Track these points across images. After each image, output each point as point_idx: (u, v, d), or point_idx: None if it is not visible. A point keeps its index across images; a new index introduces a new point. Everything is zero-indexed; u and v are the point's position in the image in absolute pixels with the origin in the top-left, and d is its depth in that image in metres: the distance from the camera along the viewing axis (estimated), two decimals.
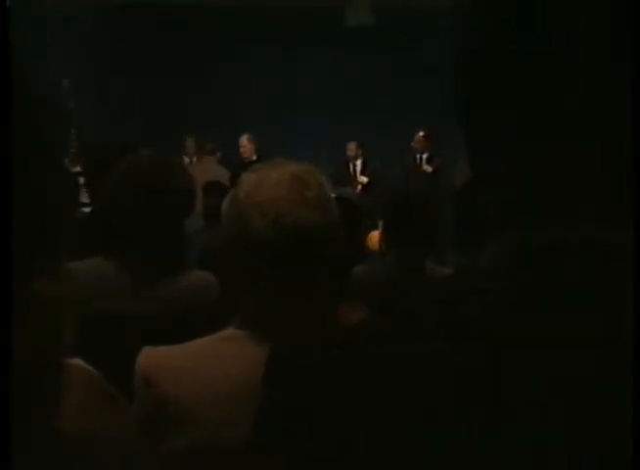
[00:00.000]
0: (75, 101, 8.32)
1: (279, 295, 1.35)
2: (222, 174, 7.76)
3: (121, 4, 10.12)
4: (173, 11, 10.28)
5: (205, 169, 8.15)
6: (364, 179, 9.17)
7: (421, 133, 9.03)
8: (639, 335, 0.49)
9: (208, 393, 1.31)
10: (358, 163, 9.35)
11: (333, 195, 1.41)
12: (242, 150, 8.80)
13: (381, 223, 3.09)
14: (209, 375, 1.33)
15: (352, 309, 1.90)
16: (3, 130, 0.45)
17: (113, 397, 1.51)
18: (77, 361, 1.49)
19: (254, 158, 8.35)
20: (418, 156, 9.10)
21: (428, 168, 8.94)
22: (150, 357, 1.39)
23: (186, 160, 8.91)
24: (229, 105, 10.30)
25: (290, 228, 1.30)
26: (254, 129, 8.92)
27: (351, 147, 9.33)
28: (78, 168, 6.40)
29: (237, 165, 7.47)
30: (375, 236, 3.72)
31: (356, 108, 10.20)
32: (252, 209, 1.32)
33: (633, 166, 0.53)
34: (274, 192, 1.32)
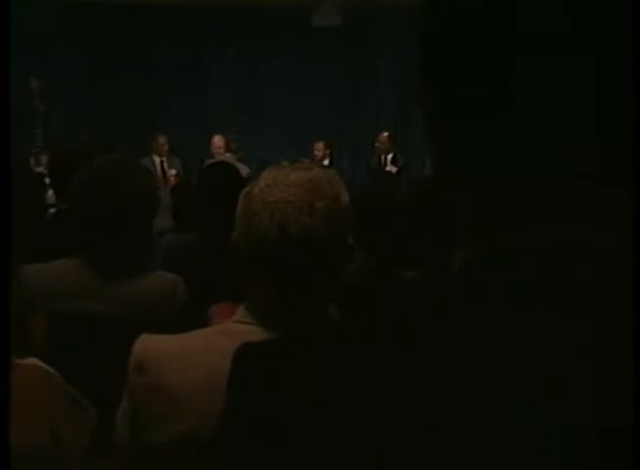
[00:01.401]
0: (43, 100, 8.23)
1: (276, 295, 1.36)
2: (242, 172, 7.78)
3: (95, 2, 10.04)
4: (147, 10, 10.21)
5: None
6: None
7: (385, 134, 9.03)
8: (639, 336, 0.49)
9: (199, 384, 1.31)
10: (325, 163, 9.34)
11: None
12: (215, 150, 8.75)
13: None
14: (201, 367, 1.32)
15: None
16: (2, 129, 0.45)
17: (74, 399, 1.49)
18: (35, 361, 1.47)
19: (223, 156, 8.33)
20: (383, 156, 9.11)
21: (392, 169, 8.93)
22: (145, 344, 1.38)
23: (156, 159, 8.81)
24: (198, 105, 10.26)
25: (293, 235, 1.31)
26: (225, 129, 8.89)
27: (319, 147, 9.30)
28: (42, 169, 6.34)
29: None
30: None
31: (324, 108, 10.21)
32: (262, 207, 1.33)
33: (633, 167, 0.52)
34: (285, 195, 1.32)
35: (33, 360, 1.48)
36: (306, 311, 1.36)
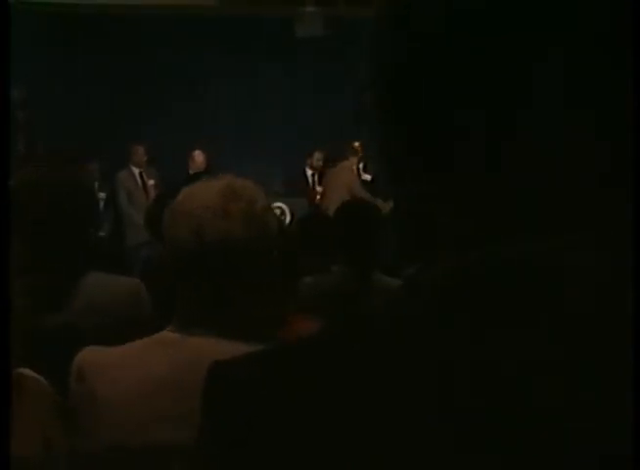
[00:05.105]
0: (25, 110, 8.19)
1: (201, 301, 1.38)
2: (352, 181, 7.98)
3: (76, 13, 10.04)
4: (128, 21, 10.21)
5: (337, 176, 8.33)
6: (319, 189, 9.25)
7: (356, 143, 9.05)
8: (638, 340, 0.48)
9: (133, 393, 1.34)
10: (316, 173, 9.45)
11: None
12: (194, 164, 8.72)
13: None
14: (135, 376, 1.36)
15: (305, 320, 1.91)
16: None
17: (62, 405, 1.49)
18: (27, 372, 1.47)
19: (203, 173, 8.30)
20: (354, 166, 9.14)
21: (366, 177, 8.95)
22: (87, 354, 1.42)
23: (135, 170, 8.72)
24: (179, 115, 10.24)
25: (210, 239, 1.33)
26: (207, 141, 8.88)
27: (317, 157, 9.40)
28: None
29: None
30: None
31: (305, 118, 10.23)
32: (180, 217, 1.37)
33: (633, 167, 0.51)
34: (200, 202, 1.36)
35: (25, 370, 1.48)
36: (233, 315, 1.38)
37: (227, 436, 0.54)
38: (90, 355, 1.41)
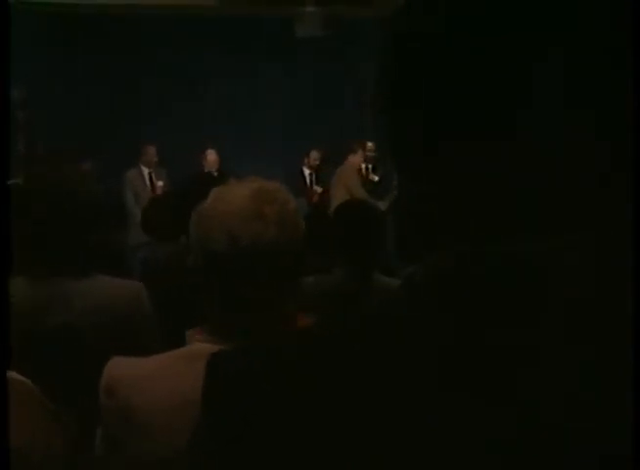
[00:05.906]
0: (25, 110, 8.19)
1: (234, 308, 1.36)
2: (352, 180, 8.23)
3: (76, 13, 10.03)
4: (128, 21, 10.20)
5: (340, 175, 8.45)
6: (319, 189, 9.26)
7: (369, 143, 9.08)
8: (638, 340, 0.48)
9: (165, 405, 1.33)
10: (314, 172, 9.45)
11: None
12: (207, 163, 8.72)
13: None
14: (166, 388, 1.34)
15: (305, 318, 1.91)
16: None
17: (53, 411, 1.49)
18: (13, 374, 1.47)
19: (215, 172, 8.33)
20: (365, 165, 9.16)
21: (374, 178, 8.99)
22: (115, 367, 1.40)
23: (145, 170, 8.71)
24: (178, 115, 10.24)
25: (243, 243, 1.31)
26: (207, 140, 8.88)
27: (315, 156, 9.38)
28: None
29: None
30: None
31: (307, 118, 10.23)
32: (211, 221, 1.35)
33: (634, 167, 0.51)
34: (231, 206, 1.34)
35: (12, 374, 1.47)
36: (264, 321, 1.36)
37: (225, 428, 0.55)
38: (117, 369, 1.39)
